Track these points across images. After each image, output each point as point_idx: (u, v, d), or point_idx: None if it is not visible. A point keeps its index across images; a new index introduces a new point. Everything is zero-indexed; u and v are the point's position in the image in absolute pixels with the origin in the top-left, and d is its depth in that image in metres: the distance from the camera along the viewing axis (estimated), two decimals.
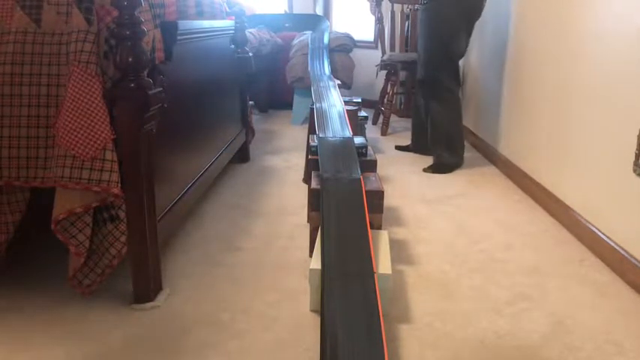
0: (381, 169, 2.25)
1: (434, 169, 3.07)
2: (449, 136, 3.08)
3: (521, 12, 2.89)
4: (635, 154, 1.74)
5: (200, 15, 2.35)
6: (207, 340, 1.44)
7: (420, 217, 2.36)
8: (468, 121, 3.64)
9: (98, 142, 1.40)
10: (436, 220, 2.32)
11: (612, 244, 1.88)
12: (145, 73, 1.48)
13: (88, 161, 1.40)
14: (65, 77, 1.43)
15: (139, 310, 1.56)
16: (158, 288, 1.64)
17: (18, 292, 1.64)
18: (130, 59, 1.42)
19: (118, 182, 1.42)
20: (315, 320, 1.51)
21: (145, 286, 1.59)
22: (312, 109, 2.67)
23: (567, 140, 2.29)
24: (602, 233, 1.95)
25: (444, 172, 3.04)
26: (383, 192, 1.85)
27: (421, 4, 3.07)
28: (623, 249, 1.82)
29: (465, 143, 3.26)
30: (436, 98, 3.07)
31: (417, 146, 3.45)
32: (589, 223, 2.05)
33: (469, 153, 3.34)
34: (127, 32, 1.41)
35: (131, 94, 1.44)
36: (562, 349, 1.42)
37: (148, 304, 1.58)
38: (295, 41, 4.55)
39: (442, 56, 3.01)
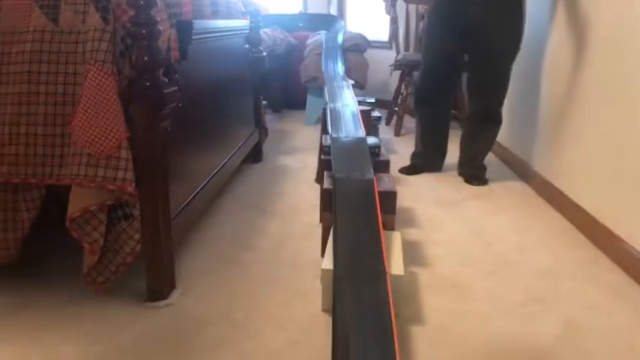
0: (394, 170, 2.24)
1: (482, 181, 2.85)
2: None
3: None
4: None
5: (215, 14, 2.36)
6: (220, 339, 1.44)
7: (433, 218, 2.35)
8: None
9: (113, 140, 1.41)
10: (449, 222, 2.31)
11: (627, 246, 1.86)
12: (161, 72, 1.49)
13: (103, 159, 1.41)
14: (82, 76, 1.44)
15: (152, 308, 1.57)
16: (171, 286, 1.64)
17: (32, 289, 1.66)
18: (146, 58, 1.43)
19: (132, 180, 1.43)
20: (327, 320, 1.51)
21: (159, 284, 1.59)
22: (325, 109, 2.67)
23: (585, 143, 2.27)
24: (617, 235, 1.93)
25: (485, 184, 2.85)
26: (396, 193, 1.85)
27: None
28: (638, 252, 1.80)
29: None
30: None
31: (433, 163, 3.05)
32: (603, 225, 2.03)
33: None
34: (143, 31, 1.41)
35: (146, 92, 1.45)
36: (576, 352, 1.41)
37: (162, 302, 1.58)
38: (309, 41, 4.55)
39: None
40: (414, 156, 3.06)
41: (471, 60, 2.85)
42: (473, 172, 2.89)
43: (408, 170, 3.01)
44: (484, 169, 2.92)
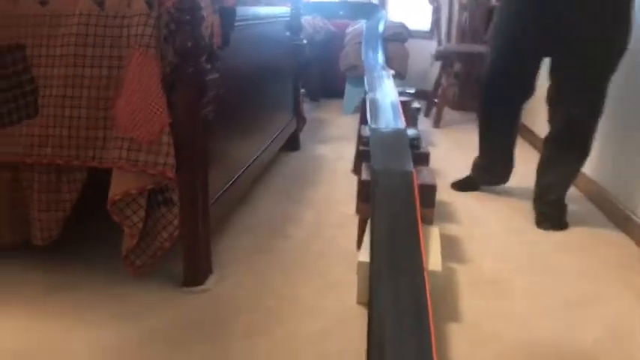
0: (433, 163, 2.21)
1: (557, 223, 2.20)
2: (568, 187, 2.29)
3: None
4: None
5: (257, 1, 2.35)
6: (254, 326, 1.44)
7: (473, 213, 2.31)
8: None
9: (155, 125, 1.42)
10: (490, 218, 2.27)
11: None
12: (204, 58, 1.49)
13: (145, 144, 1.42)
14: (126, 60, 1.45)
15: (189, 293, 1.58)
16: (208, 272, 1.65)
17: (73, 270, 1.69)
18: (189, 44, 1.43)
19: (173, 166, 1.44)
20: (361, 313, 1.50)
21: (196, 270, 1.61)
22: (364, 99, 2.64)
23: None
24: None
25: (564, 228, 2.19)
26: (435, 186, 1.81)
27: None
28: None
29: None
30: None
31: (496, 173, 2.56)
32: None
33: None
34: (187, 17, 1.41)
35: (189, 79, 1.45)
36: (618, 356, 1.37)
37: (198, 288, 1.60)
38: (349, 29, 4.51)
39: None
40: (475, 167, 2.60)
41: (554, 59, 2.18)
42: (546, 210, 2.24)
43: (460, 185, 2.60)
44: (562, 207, 2.24)
